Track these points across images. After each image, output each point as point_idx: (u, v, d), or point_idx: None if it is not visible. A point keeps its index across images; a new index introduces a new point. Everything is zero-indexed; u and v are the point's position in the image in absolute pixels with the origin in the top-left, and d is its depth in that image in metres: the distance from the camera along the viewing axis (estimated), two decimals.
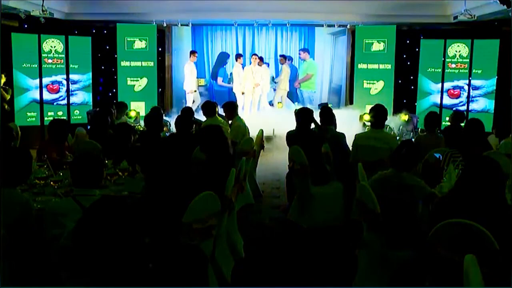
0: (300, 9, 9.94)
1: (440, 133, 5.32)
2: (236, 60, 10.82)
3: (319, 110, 5.89)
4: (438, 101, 9.88)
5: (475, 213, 2.53)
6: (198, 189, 2.99)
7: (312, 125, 5.60)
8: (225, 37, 11.71)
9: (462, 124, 6.46)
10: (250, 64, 10.66)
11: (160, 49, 10.66)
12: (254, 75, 10.38)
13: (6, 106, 8.30)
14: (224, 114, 6.55)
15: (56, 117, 8.44)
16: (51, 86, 9.38)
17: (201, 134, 4.20)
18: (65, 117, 9.33)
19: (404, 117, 7.91)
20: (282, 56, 11.07)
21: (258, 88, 10.44)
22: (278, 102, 11.01)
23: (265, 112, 10.36)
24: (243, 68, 10.76)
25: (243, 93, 10.52)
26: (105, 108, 6.40)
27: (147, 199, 2.80)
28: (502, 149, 4.92)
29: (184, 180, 3.06)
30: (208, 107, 6.42)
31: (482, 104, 9.67)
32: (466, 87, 9.75)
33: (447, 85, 9.85)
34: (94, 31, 10.30)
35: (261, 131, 6.22)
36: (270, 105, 10.97)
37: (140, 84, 10.15)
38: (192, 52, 10.50)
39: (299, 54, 11.40)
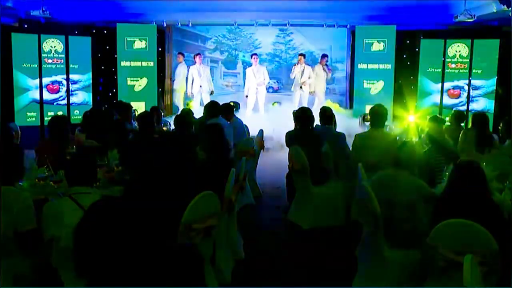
0: (300, 9, 9.95)
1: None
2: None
3: (319, 110, 5.89)
4: (438, 101, 9.88)
5: (464, 214, 2.56)
6: (197, 189, 2.99)
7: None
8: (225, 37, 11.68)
9: (463, 124, 6.46)
10: (251, 65, 10.56)
11: (160, 49, 10.66)
12: (256, 75, 10.29)
13: None
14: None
15: (55, 115, 8.36)
16: (51, 86, 9.38)
17: (202, 132, 4.17)
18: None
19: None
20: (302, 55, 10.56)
21: (262, 88, 10.37)
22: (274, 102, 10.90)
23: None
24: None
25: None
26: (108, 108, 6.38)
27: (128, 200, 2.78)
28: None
29: (181, 179, 3.05)
30: (211, 108, 6.15)
31: (482, 104, 9.67)
32: (466, 87, 9.75)
33: (447, 85, 9.85)
34: (94, 31, 10.30)
35: (261, 131, 6.22)
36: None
37: (140, 84, 10.16)
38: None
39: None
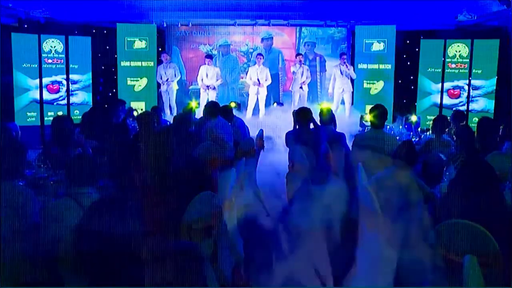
0: (300, 9, 9.95)
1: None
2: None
3: (319, 110, 5.90)
4: (438, 101, 9.87)
5: (468, 214, 2.55)
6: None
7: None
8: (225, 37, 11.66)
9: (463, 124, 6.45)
10: (255, 64, 10.47)
11: (160, 49, 10.66)
12: (259, 76, 10.24)
13: None
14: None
15: (57, 115, 8.26)
16: (51, 86, 9.38)
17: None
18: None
19: (414, 118, 7.67)
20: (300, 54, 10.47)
21: (263, 89, 10.33)
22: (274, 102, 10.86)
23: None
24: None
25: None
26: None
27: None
28: None
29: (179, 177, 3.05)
30: (210, 108, 6.04)
31: (482, 104, 9.66)
32: (466, 87, 9.74)
33: (447, 85, 9.84)
34: (94, 31, 10.30)
35: (261, 131, 6.22)
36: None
37: (140, 84, 10.16)
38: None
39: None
